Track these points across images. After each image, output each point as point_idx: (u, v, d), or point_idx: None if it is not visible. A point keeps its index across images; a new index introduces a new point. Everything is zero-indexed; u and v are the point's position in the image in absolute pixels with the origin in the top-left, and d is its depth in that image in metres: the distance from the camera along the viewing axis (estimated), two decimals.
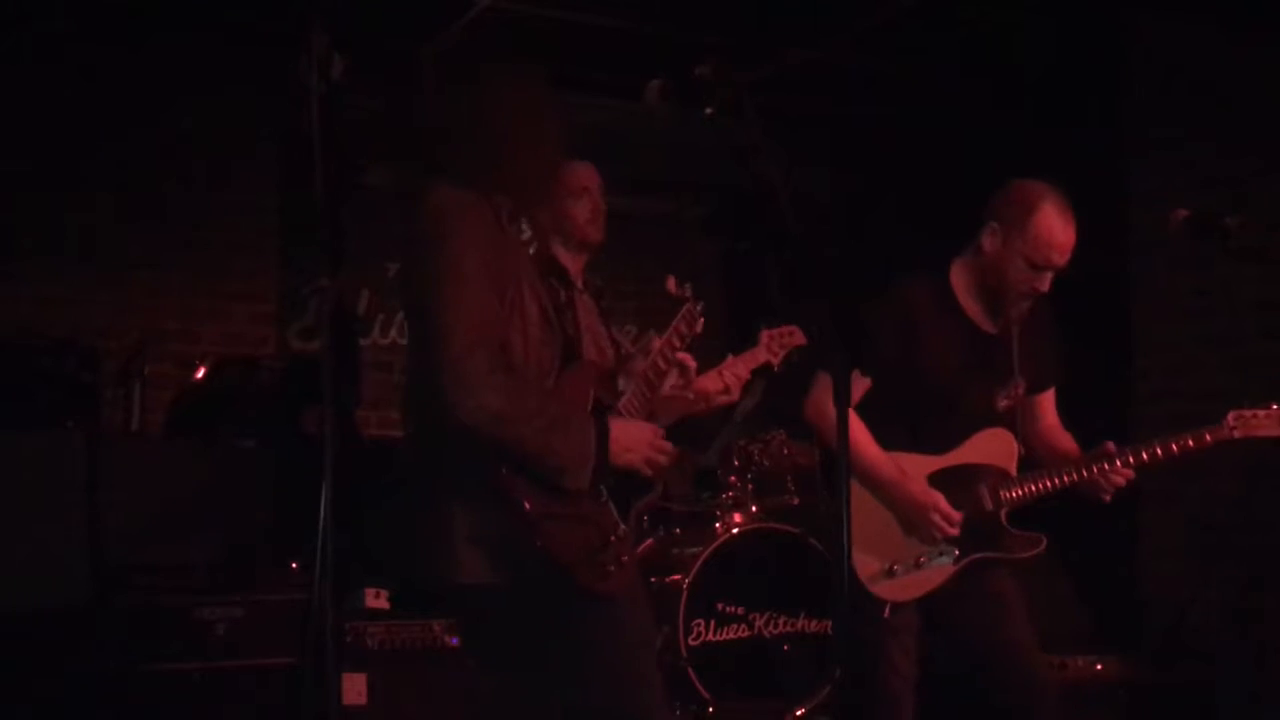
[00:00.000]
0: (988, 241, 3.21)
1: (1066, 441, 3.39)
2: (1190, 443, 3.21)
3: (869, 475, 3.20)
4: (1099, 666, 4.80)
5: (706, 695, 4.75)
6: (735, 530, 4.99)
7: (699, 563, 4.83)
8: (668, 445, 2.72)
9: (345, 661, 4.18)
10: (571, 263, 3.68)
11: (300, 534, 4.29)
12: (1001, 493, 3.23)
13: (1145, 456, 3.18)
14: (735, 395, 3.47)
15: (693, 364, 3.02)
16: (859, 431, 3.19)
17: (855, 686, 3.10)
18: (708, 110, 2.54)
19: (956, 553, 3.22)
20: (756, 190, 2.53)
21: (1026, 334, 3.31)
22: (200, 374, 5.03)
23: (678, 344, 3.03)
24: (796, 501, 5.24)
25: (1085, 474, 3.21)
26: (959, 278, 3.28)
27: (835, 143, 6.68)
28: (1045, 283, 3.18)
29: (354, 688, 4.16)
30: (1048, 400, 3.44)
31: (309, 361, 5.74)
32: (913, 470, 3.22)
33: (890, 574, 3.19)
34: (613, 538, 2.63)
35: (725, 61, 2.56)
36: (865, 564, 3.17)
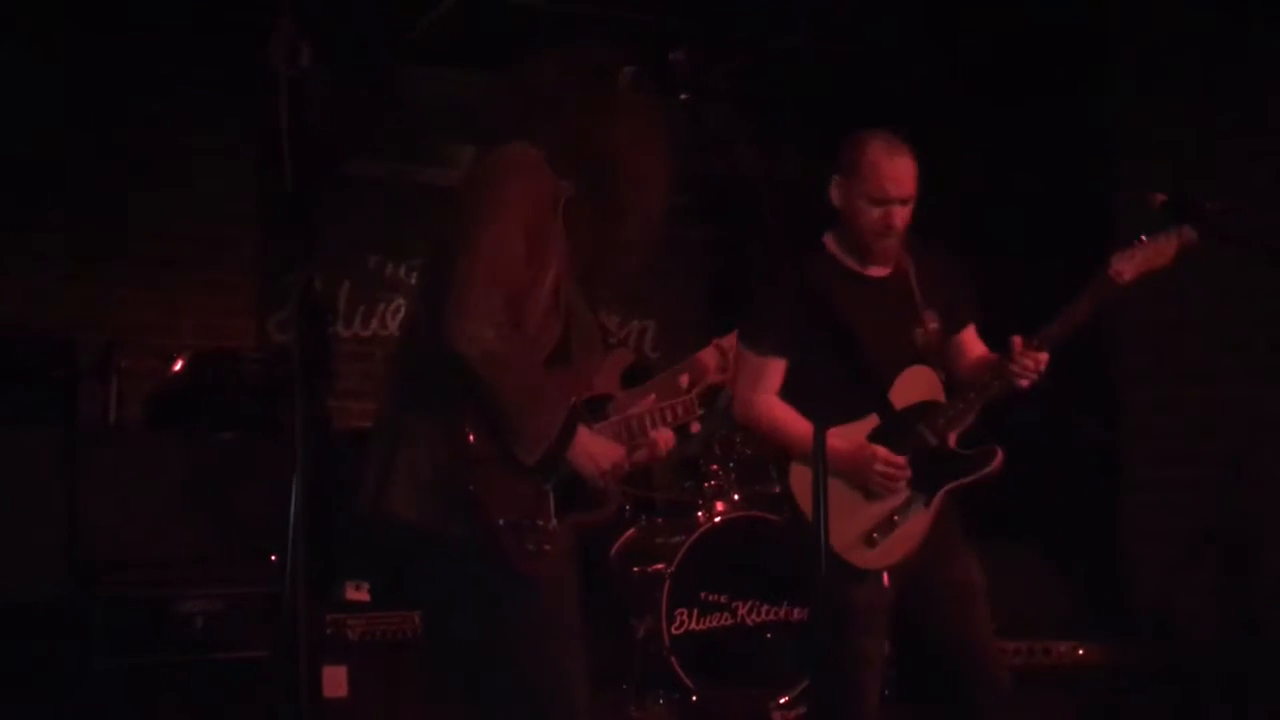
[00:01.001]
0: (834, 194, 3.28)
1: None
2: (1088, 302, 3.16)
3: (806, 454, 3.16)
4: (1081, 651, 4.81)
5: (690, 684, 4.75)
6: (718, 519, 4.99)
7: (682, 551, 4.83)
8: (622, 475, 2.72)
9: (326, 653, 4.17)
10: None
11: (280, 526, 4.27)
12: (939, 422, 3.23)
13: (1057, 332, 3.15)
14: (731, 372, 3.46)
15: (666, 448, 2.91)
16: (783, 414, 3.23)
17: (820, 670, 3.10)
18: (682, 96, 2.53)
19: (925, 496, 3.21)
20: (733, 177, 2.53)
21: (926, 274, 3.33)
22: (179, 366, 5.00)
23: (664, 420, 2.95)
24: (779, 489, 5.23)
25: (1002, 372, 3.17)
26: (831, 242, 3.34)
27: (811, 129, 6.67)
28: (896, 217, 3.21)
29: (334, 680, 4.15)
30: (970, 336, 3.44)
31: (289, 353, 5.70)
32: (850, 435, 3.21)
33: (871, 542, 3.18)
34: (541, 521, 2.58)
35: (699, 48, 2.55)
36: (843, 539, 3.15)
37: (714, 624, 4.89)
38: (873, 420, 3.24)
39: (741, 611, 4.94)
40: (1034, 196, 5.76)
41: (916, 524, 3.21)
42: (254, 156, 6.12)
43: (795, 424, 3.20)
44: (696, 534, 4.88)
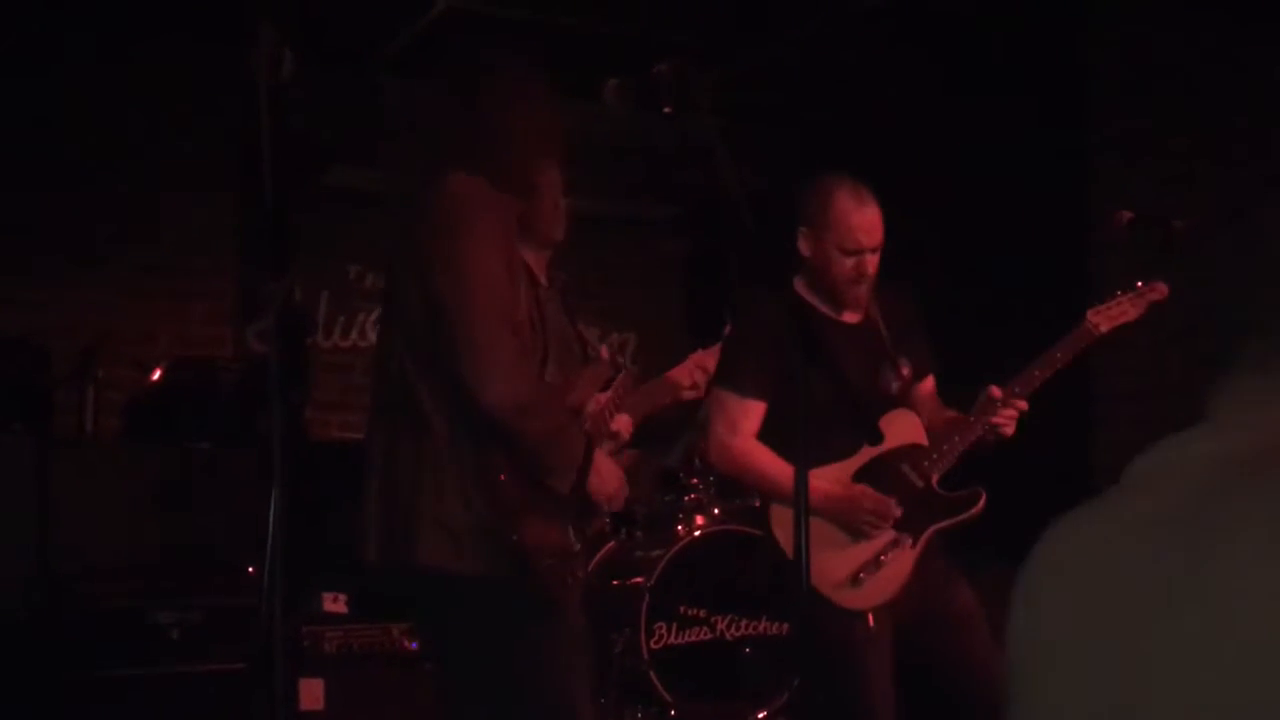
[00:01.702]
0: (803, 245, 3.29)
1: (957, 415, 3.41)
2: (1063, 354, 3.25)
3: (787, 497, 3.16)
4: None
5: (668, 698, 4.74)
6: (697, 532, 4.97)
7: (661, 565, 4.82)
8: (623, 498, 2.76)
9: (302, 666, 4.14)
10: (535, 261, 3.66)
11: (256, 537, 4.24)
12: (924, 464, 3.25)
13: (1036, 379, 3.23)
14: (702, 390, 3.48)
15: (627, 432, 3.02)
16: (763, 457, 3.21)
17: (833, 707, 3.08)
18: (665, 109, 2.53)
19: (910, 538, 3.21)
20: (715, 190, 2.53)
21: (893, 322, 3.37)
22: (156, 375, 4.96)
23: (612, 411, 3.01)
24: (758, 504, 5.21)
25: (985, 421, 3.23)
26: (801, 288, 3.35)
27: (795, 142, 6.69)
28: (867, 265, 3.24)
29: (311, 693, 4.12)
30: (927, 387, 3.49)
31: (267, 363, 5.68)
32: (834, 477, 3.22)
33: (857, 583, 3.17)
34: (573, 549, 2.64)
35: (684, 61, 2.55)
36: (829, 581, 3.14)
37: (693, 638, 4.87)
38: (857, 461, 3.24)
39: (720, 626, 4.93)
40: (1010, 205, 5.77)
41: (902, 564, 3.21)
42: (233, 164, 6.09)
43: (776, 467, 3.17)
44: (676, 548, 4.87)
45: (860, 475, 3.24)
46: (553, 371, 2.73)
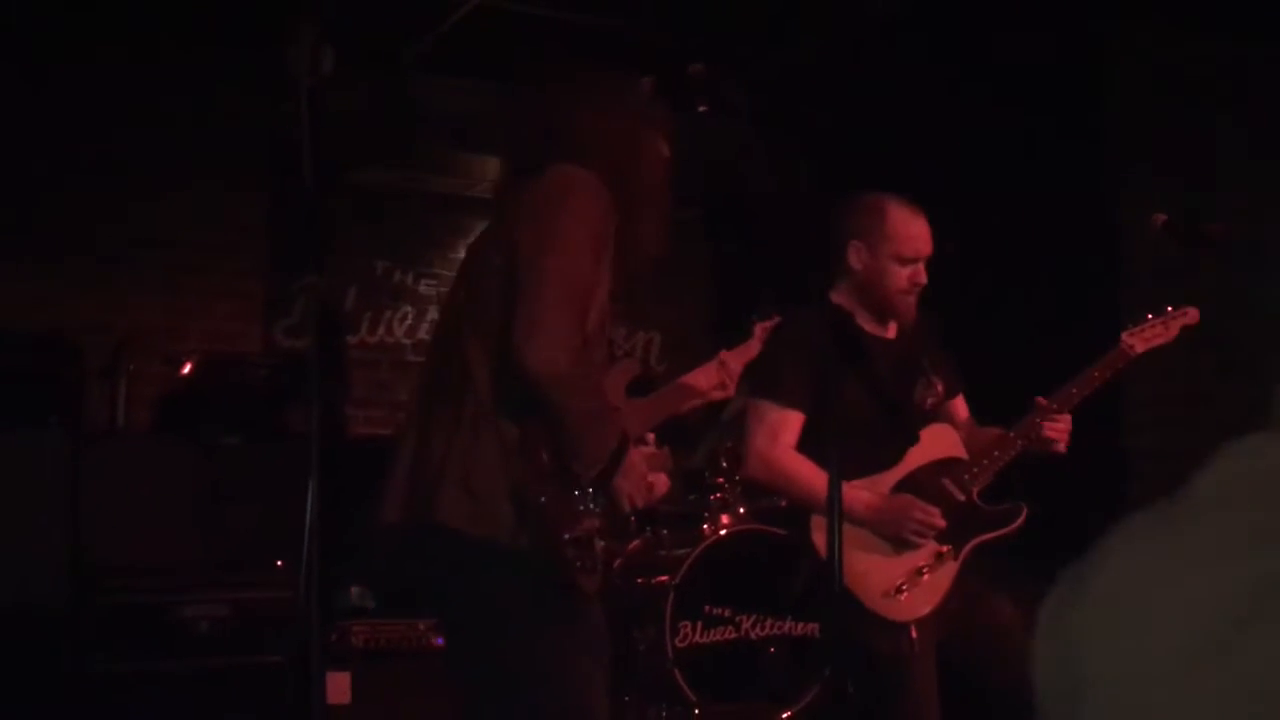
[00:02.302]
0: (856, 259, 3.32)
1: (990, 431, 3.43)
2: (1102, 373, 3.28)
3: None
4: None
5: (693, 697, 4.73)
6: (723, 532, 4.97)
7: (687, 564, 4.81)
8: (655, 498, 2.76)
9: (329, 660, 4.16)
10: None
11: (286, 532, 4.26)
12: (965, 478, 3.26)
13: (1075, 396, 3.26)
14: (731, 389, 3.47)
15: (662, 491, 2.93)
16: (804, 468, 3.22)
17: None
18: (700, 109, 2.54)
19: (952, 550, 3.22)
20: (747, 190, 2.54)
21: (926, 339, 3.42)
22: (186, 371, 4.99)
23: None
24: (784, 504, 5.22)
25: (1030, 435, 3.25)
26: (843, 300, 3.37)
27: (827, 144, 6.68)
28: (921, 274, 3.30)
29: (338, 687, 4.14)
30: (959, 404, 3.53)
31: (296, 359, 5.71)
32: (875, 489, 3.24)
33: (899, 594, 3.17)
34: (597, 540, 2.62)
35: (718, 61, 2.56)
36: (870, 593, 3.14)
37: (718, 637, 4.87)
38: (898, 473, 3.26)
39: (745, 625, 4.92)
40: (1038, 210, 5.76)
41: (943, 577, 3.21)
42: (264, 161, 6.13)
43: (816, 477, 3.16)
44: (701, 547, 4.86)
45: (900, 488, 3.25)
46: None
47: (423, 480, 2.54)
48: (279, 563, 4.41)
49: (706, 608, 4.86)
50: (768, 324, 3.58)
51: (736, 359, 3.51)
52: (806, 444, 3.26)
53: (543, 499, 2.49)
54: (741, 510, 5.17)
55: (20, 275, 5.69)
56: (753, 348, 3.54)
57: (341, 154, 5.87)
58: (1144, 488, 5.57)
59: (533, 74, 2.85)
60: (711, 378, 3.45)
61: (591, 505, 2.62)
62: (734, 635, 4.90)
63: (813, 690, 4.82)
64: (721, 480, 5.25)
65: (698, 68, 2.50)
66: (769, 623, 4.96)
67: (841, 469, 3.16)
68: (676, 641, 4.76)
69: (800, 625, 4.98)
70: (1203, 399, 5.26)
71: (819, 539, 3.19)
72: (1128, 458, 5.53)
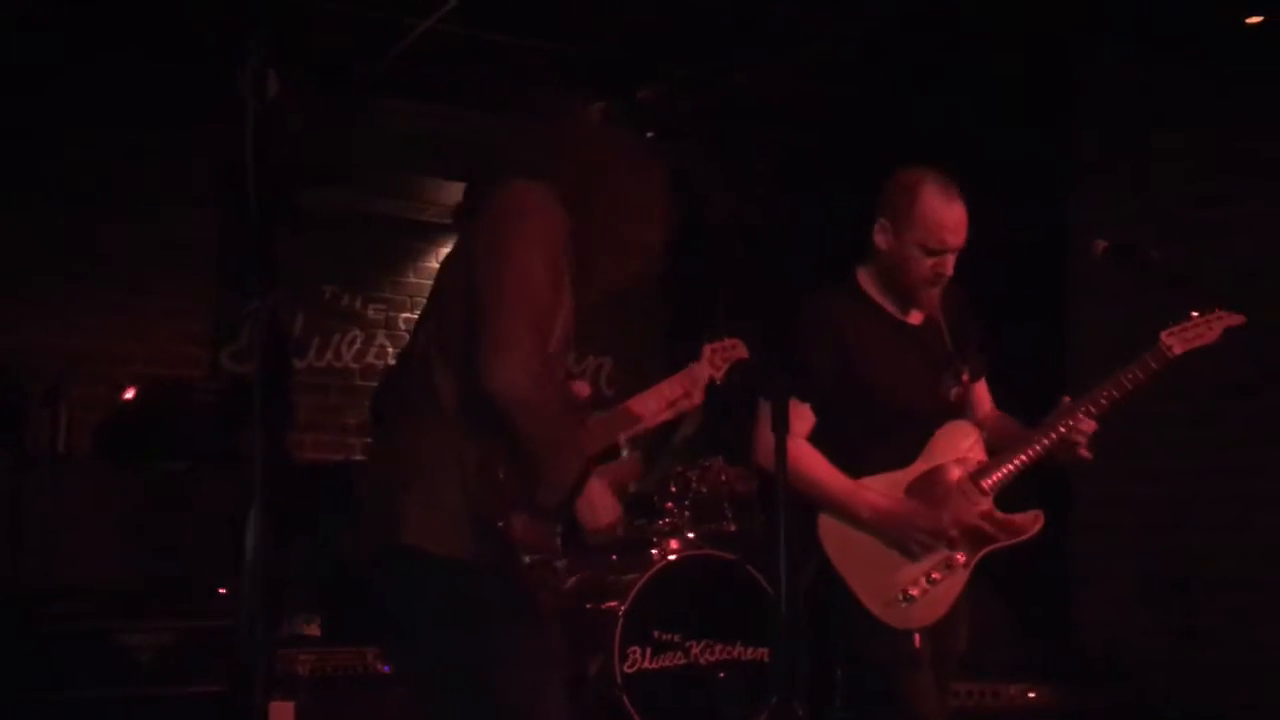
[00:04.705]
0: (880, 238, 3.10)
1: (1011, 422, 3.27)
2: (1138, 374, 3.08)
3: (843, 510, 3.05)
4: (1031, 694, 4.83)
5: None
6: (672, 557, 4.96)
7: (635, 589, 4.80)
8: (618, 532, 2.70)
9: (274, 689, 4.11)
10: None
11: (230, 558, 4.22)
12: (983, 482, 3.09)
13: (1104, 401, 3.07)
14: (698, 398, 3.41)
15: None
16: (814, 461, 3.06)
17: None
18: (649, 134, 2.54)
19: (963, 557, 3.07)
20: (697, 214, 2.54)
21: (953, 323, 3.21)
22: (129, 395, 4.94)
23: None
24: (734, 528, 5.22)
25: (1055, 436, 3.08)
26: (867, 281, 3.18)
27: (777, 167, 6.71)
28: (947, 266, 3.07)
29: (282, 715, 4.09)
30: (982, 389, 3.34)
31: (243, 384, 5.66)
32: (886, 489, 3.07)
33: (907, 600, 3.02)
34: (556, 561, 2.62)
35: (668, 86, 2.56)
36: (877, 599, 3.01)
37: (667, 663, 4.86)
38: (912, 472, 3.09)
39: (695, 651, 4.91)
40: (994, 233, 5.82)
41: (952, 584, 3.06)
42: (211, 184, 6.08)
43: (828, 474, 3.04)
44: (650, 572, 4.86)
45: (916, 486, 3.08)
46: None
47: (385, 502, 2.54)
48: (222, 589, 4.37)
49: (655, 633, 4.85)
50: (717, 345, 3.55)
51: (685, 379, 3.48)
52: (817, 440, 3.06)
53: (501, 523, 2.49)
54: (691, 535, 5.16)
55: None
56: (702, 369, 3.51)
57: (289, 177, 5.83)
58: (1088, 504, 5.63)
59: (492, 98, 2.85)
60: (676, 388, 3.40)
61: (552, 526, 2.62)
62: (683, 661, 4.89)
63: (762, 716, 4.83)
64: (671, 505, 5.25)
65: (646, 93, 2.51)
66: (718, 648, 4.95)
67: (860, 464, 3.07)
68: (625, 667, 4.74)
69: (750, 650, 4.98)
70: (1140, 424, 5.30)
71: (828, 546, 3.05)
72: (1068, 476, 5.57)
